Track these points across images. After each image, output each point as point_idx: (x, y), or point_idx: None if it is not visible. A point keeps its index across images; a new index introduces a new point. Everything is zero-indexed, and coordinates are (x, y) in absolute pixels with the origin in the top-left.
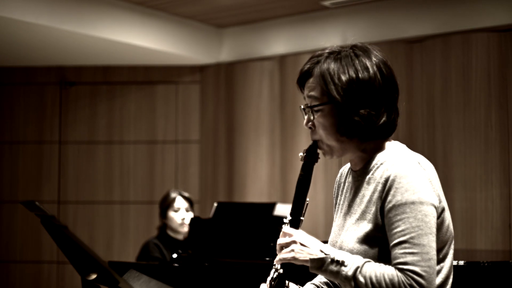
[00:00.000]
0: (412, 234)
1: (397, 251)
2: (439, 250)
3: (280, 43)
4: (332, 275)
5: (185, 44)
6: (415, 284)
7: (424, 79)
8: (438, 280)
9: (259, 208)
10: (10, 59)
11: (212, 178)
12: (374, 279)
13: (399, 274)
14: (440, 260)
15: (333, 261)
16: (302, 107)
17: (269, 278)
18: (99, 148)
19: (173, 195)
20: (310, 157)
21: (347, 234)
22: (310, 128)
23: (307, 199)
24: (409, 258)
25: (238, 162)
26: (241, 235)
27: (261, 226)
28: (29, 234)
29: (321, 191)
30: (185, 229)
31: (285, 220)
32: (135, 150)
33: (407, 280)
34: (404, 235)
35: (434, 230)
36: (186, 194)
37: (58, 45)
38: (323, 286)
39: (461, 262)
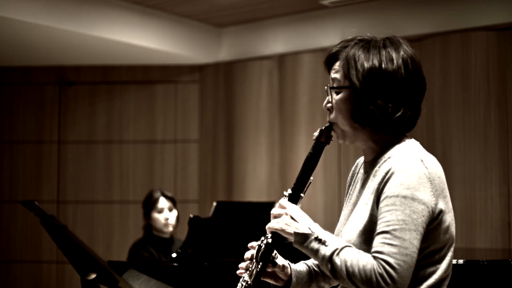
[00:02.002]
0: (395, 227)
1: (378, 240)
2: (435, 251)
3: (279, 42)
4: (312, 253)
5: (184, 43)
6: (385, 275)
7: None
8: (431, 281)
9: (259, 207)
10: (10, 59)
11: (212, 177)
12: (348, 263)
13: (373, 262)
14: (436, 262)
15: (316, 239)
16: (326, 88)
17: (256, 244)
18: (98, 147)
19: (155, 195)
20: (323, 138)
21: (348, 224)
22: (328, 109)
23: (311, 178)
24: (386, 249)
25: (237, 161)
26: (240, 234)
27: (261, 225)
28: (29, 234)
29: (320, 190)
30: (170, 228)
31: (285, 193)
32: (134, 150)
33: (378, 269)
34: (388, 225)
35: (421, 229)
36: (168, 194)
37: (57, 45)
38: (315, 268)
39: (461, 261)
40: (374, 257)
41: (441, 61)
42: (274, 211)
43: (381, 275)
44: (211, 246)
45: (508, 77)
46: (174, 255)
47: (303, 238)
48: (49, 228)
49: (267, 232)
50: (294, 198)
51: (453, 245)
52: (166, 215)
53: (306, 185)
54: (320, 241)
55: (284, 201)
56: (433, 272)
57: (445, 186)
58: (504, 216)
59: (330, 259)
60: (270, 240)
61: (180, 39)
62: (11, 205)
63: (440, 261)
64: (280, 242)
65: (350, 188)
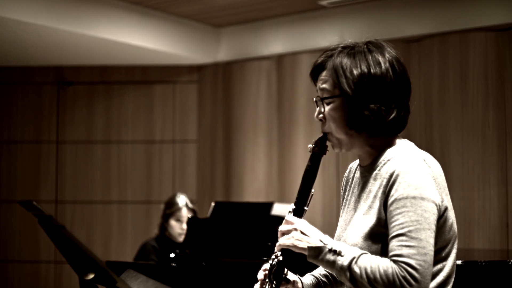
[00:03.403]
0: (410, 228)
1: (394, 243)
2: (441, 248)
3: (277, 42)
4: (329, 265)
5: (182, 43)
6: (408, 277)
7: (421, 78)
8: (440, 278)
9: (257, 207)
10: (8, 59)
11: (210, 178)
12: (369, 270)
13: (394, 265)
14: (443, 259)
15: (330, 250)
16: (314, 99)
17: (268, 265)
18: (96, 147)
19: (179, 204)
20: (319, 149)
21: (352, 229)
22: (320, 120)
23: (313, 190)
24: (405, 251)
25: (235, 161)
26: (238, 235)
27: (259, 225)
28: (27, 233)
29: (318, 191)
30: (183, 238)
31: (289, 209)
32: (132, 150)
33: (400, 272)
34: (402, 228)
35: (433, 226)
36: (191, 205)
37: (56, 45)
38: (323, 278)
39: (459, 262)
40: (394, 261)
41: (440, 61)
42: (282, 227)
43: (404, 277)
44: (209, 246)
45: (507, 77)
46: (172, 255)
47: (317, 251)
48: (47, 228)
49: (276, 250)
50: (298, 213)
51: (457, 241)
52: (184, 226)
53: (308, 198)
54: (335, 252)
55: (290, 216)
56: (441, 270)
57: (446, 183)
58: (502, 217)
59: (348, 268)
60: (281, 258)
61: (178, 39)
62: (9, 205)
63: (446, 258)
64: (291, 258)
65: (347, 194)
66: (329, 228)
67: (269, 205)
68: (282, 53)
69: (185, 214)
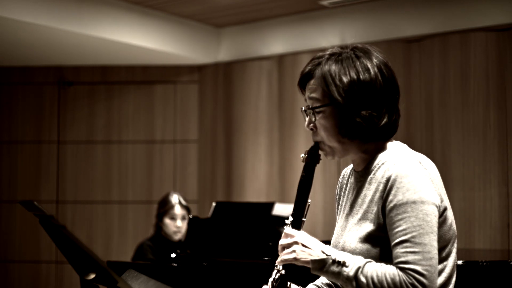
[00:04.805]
0: (414, 233)
1: (399, 250)
2: (442, 248)
3: (278, 42)
4: (334, 276)
5: (183, 43)
6: (416, 283)
7: (422, 78)
8: (441, 279)
9: (258, 207)
10: (9, 59)
11: (211, 178)
12: (375, 279)
13: (401, 273)
14: (443, 259)
15: (334, 262)
16: (303, 108)
17: (271, 279)
18: (97, 148)
19: (172, 202)
20: (312, 159)
21: (350, 234)
22: (311, 129)
23: (309, 200)
24: (410, 257)
25: (236, 161)
26: (239, 235)
27: (260, 225)
28: (28, 234)
29: (319, 191)
30: (179, 236)
31: (287, 221)
32: (133, 150)
33: (408, 280)
34: (405, 234)
35: (436, 229)
36: (184, 203)
37: (56, 45)
38: (325, 287)
39: (460, 262)
40: (401, 268)
41: (440, 61)
42: (283, 241)
43: (412, 284)
44: (210, 246)
45: (507, 77)
46: (173, 255)
47: (321, 263)
48: (48, 228)
49: (278, 265)
50: (296, 225)
51: (456, 241)
52: (178, 224)
53: (305, 209)
54: (339, 263)
55: (289, 229)
56: (442, 270)
57: (442, 184)
58: (503, 217)
59: (355, 278)
60: (283, 272)
61: (179, 39)
62: (10, 205)
63: (447, 257)
64: (293, 270)
65: (341, 199)
66: (330, 229)
67: (270, 205)
68: (282, 53)
69: (179, 211)
